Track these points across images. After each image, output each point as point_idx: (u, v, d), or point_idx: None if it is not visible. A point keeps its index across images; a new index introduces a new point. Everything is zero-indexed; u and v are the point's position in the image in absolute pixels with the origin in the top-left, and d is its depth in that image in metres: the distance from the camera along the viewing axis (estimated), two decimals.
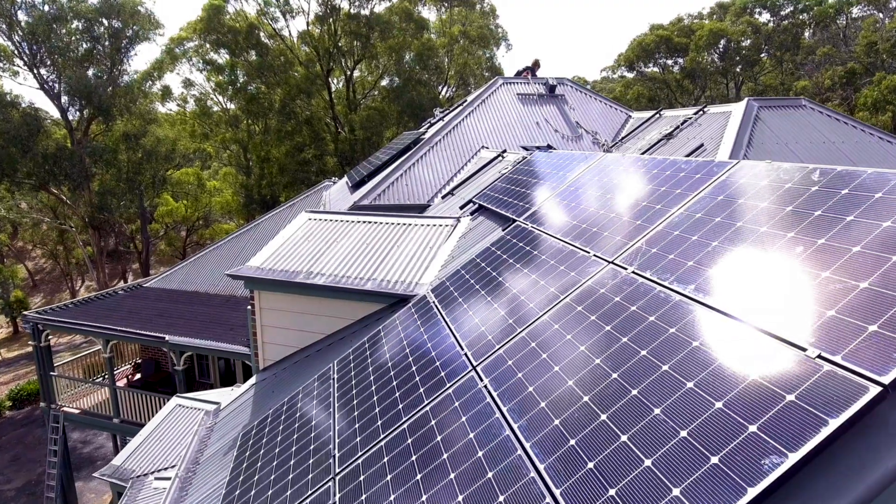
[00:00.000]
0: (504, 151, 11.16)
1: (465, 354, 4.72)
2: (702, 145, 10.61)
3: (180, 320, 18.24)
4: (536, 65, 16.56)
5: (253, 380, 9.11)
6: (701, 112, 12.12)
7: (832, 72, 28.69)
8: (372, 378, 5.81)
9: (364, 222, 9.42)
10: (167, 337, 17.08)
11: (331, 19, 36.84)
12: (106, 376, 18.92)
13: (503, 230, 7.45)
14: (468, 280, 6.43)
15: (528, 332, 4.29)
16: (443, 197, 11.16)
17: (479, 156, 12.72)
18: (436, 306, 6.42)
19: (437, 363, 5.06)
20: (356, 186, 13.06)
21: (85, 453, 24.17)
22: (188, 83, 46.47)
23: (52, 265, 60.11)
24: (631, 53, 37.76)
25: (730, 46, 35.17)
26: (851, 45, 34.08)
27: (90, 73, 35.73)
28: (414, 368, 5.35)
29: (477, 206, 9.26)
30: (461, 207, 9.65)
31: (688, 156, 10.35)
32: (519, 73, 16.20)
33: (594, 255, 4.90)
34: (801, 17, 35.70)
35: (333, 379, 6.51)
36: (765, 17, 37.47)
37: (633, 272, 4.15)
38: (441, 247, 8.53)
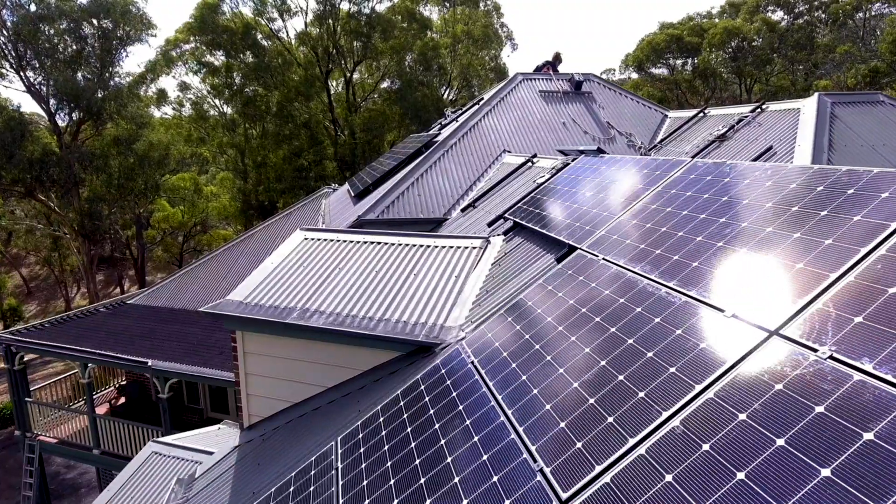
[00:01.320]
0: (534, 156, 9.38)
1: (541, 473, 2.93)
2: (770, 148, 8.85)
3: (166, 342, 16.41)
4: (557, 59, 14.86)
5: (236, 439, 7.30)
6: (758, 110, 10.38)
7: (855, 70, 27.08)
8: (392, 484, 4.01)
9: (371, 243, 7.63)
10: (150, 362, 15.26)
11: (329, 19, 35.11)
12: (86, 402, 17.09)
13: (557, 259, 5.65)
14: (521, 332, 4.66)
15: (649, 447, 2.51)
16: (462, 210, 9.41)
17: (503, 161, 10.95)
18: (476, 370, 4.64)
19: (494, 478, 3.27)
20: (359, 196, 11.31)
21: (68, 479, 22.33)
22: (184, 86, 44.70)
23: (48, 272, 58.16)
24: (640, 53, 36.07)
25: (743, 45, 33.51)
26: (870, 44, 32.44)
27: (80, 75, 33.90)
28: (456, 479, 3.57)
29: (511, 223, 7.48)
30: (489, 224, 7.87)
31: (755, 160, 8.58)
32: (539, 69, 14.49)
33: (734, 316, 3.11)
34: (816, 14, 34.10)
35: (337, 470, 4.71)
36: (777, 15, 35.89)
37: (834, 357, 2.38)
38: (469, 276, 6.75)
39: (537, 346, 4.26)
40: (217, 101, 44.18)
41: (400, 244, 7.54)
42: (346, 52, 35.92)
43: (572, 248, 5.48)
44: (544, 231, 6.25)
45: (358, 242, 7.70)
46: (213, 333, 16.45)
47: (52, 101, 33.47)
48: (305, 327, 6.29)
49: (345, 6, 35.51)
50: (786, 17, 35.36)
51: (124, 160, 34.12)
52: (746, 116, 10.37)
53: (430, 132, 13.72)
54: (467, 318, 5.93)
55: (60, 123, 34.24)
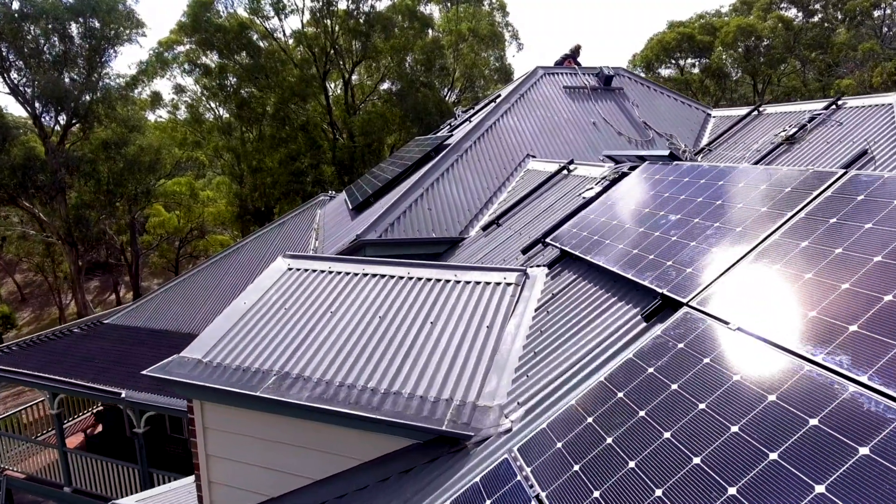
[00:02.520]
0: (570, 162, 7.60)
1: None
2: (865, 152, 7.06)
3: (141, 369, 14.55)
4: (577, 51, 13.12)
5: None
6: (833, 106, 8.62)
7: (881, 68, 25.38)
8: None
9: (373, 276, 5.84)
10: (124, 394, 13.45)
11: (327, 20, 33.29)
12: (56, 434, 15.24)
13: (644, 316, 3.85)
14: (617, 454, 2.87)
15: None
16: (483, 228, 7.62)
17: (527, 168, 9.17)
18: None
19: None
20: (358, 210, 9.52)
21: None
22: (179, 89, 42.86)
23: (42, 278, 56.28)
24: (649, 52, 34.30)
25: (758, 44, 31.78)
26: (890, 42, 30.71)
27: (66, 76, 32.06)
28: None
29: (555, 251, 5.67)
30: (524, 251, 6.06)
31: (847, 166, 6.79)
32: (560, 63, 12.75)
33: None
34: (831, 11, 32.40)
35: None
36: (791, 12, 34.16)
37: None
38: (506, 325, 4.96)
39: (658, 493, 2.47)
40: (213, 104, 42.38)
41: (410, 277, 5.74)
42: (344, 52, 34.09)
43: (670, 302, 3.67)
44: (613, 269, 4.45)
45: (356, 275, 5.90)
46: None
47: (37, 104, 31.61)
48: (284, 403, 4.51)
49: (342, 4, 33.73)
50: (799, 14, 33.67)
51: (114, 165, 32.24)
52: (820, 114, 8.60)
53: (439, 134, 11.92)
54: (511, 394, 4.14)
55: (46, 127, 32.35)
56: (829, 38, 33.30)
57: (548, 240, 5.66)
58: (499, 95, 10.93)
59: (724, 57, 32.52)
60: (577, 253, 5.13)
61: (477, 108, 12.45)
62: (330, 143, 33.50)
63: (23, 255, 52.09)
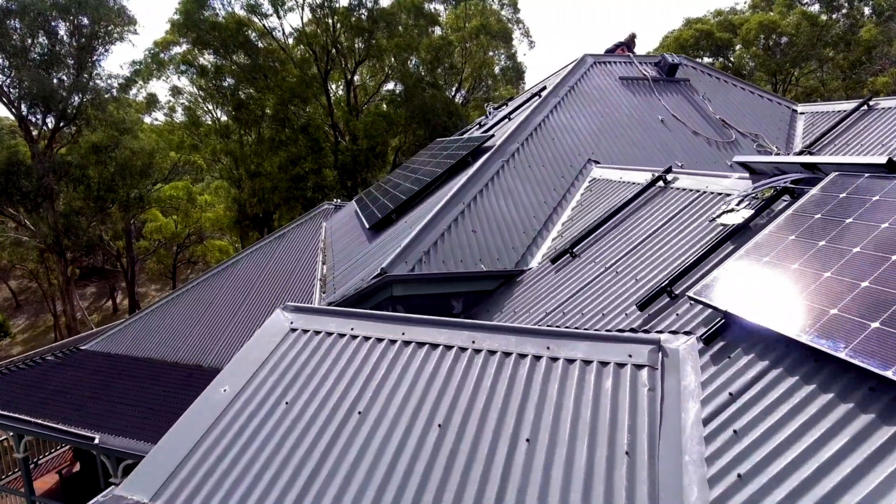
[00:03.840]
0: (668, 171, 5.55)
1: None
2: None
3: (122, 405, 12.48)
4: (633, 40, 11.13)
5: None
6: None
7: None
8: None
9: (419, 345, 3.76)
10: (98, 438, 11.35)
11: (328, 18, 31.21)
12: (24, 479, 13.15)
13: None
14: None
15: None
16: (553, 261, 5.56)
17: (592, 176, 7.12)
18: None
19: None
20: (377, 229, 7.51)
21: None
22: (176, 91, 40.72)
23: (37, 285, 54.09)
24: (665, 51, 32.24)
25: (780, 41, 29.83)
26: None
27: (59, 76, 29.92)
28: None
29: (708, 312, 3.58)
30: (642, 306, 3.98)
31: None
32: (611, 51, 10.73)
33: None
34: (858, 6, 30.45)
35: None
36: (814, 8, 32.18)
37: None
38: (655, 450, 2.88)
39: None
40: (210, 106, 40.26)
41: (478, 350, 3.67)
42: (346, 51, 31.99)
43: None
44: (853, 361, 2.38)
45: (392, 343, 3.82)
46: (180, 394, 12.52)
47: (22, 106, 29.46)
48: None
49: (344, 0, 31.63)
50: (822, 9, 31.68)
51: (104, 169, 30.08)
52: None
53: (470, 135, 9.85)
54: None
55: (33, 130, 30.20)
56: (854, 34, 31.32)
57: (693, 294, 3.59)
58: (543, 88, 8.86)
59: (746, 55, 30.53)
60: (758, 323, 3.05)
61: (514, 103, 10.38)
62: (332, 145, 31.38)
63: (16, 261, 49.91)
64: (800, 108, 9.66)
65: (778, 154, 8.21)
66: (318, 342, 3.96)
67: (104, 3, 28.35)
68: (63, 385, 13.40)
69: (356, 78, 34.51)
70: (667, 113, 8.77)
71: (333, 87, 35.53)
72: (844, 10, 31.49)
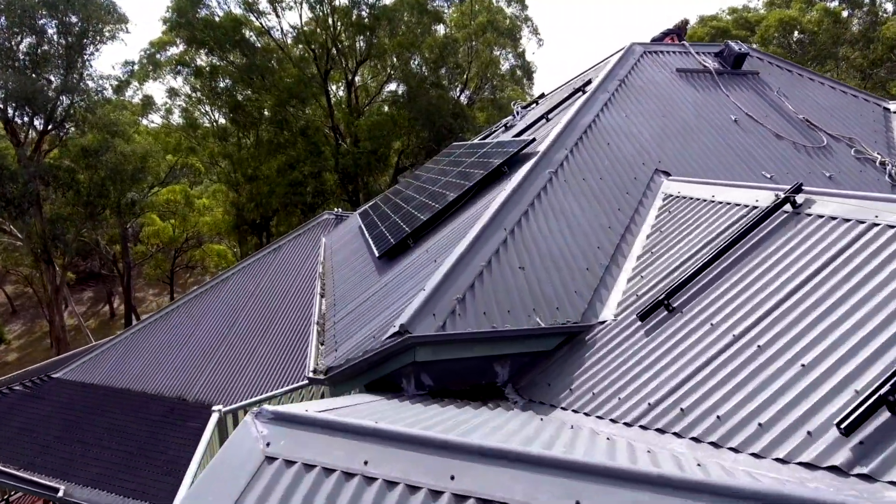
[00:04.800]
0: (797, 189, 3.91)
1: None
2: None
3: (95, 447, 10.86)
4: (685, 27, 9.50)
5: None
6: None
7: None
8: None
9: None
10: (62, 490, 9.73)
11: (329, 18, 29.57)
12: None
13: None
14: None
15: None
16: (642, 317, 3.87)
17: (665, 191, 5.47)
18: None
19: None
20: (389, 256, 5.89)
21: None
22: (173, 92, 39.09)
23: (32, 290, 52.50)
24: None
25: (802, 39, 28.25)
26: None
27: (47, 76, 28.27)
28: None
29: None
30: (848, 429, 2.27)
31: None
32: (659, 40, 9.11)
33: None
34: (882, 2, 28.88)
35: None
36: (832, 4, 30.58)
37: None
38: None
39: None
40: (208, 108, 38.64)
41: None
42: (347, 50, 30.33)
43: None
44: None
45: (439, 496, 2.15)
46: (161, 433, 10.87)
47: (8, 108, 27.77)
48: None
49: (344, 0, 29.93)
50: (841, 5, 30.06)
51: (94, 174, 28.40)
52: None
53: (497, 138, 8.20)
54: None
55: (20, 133, 28.53)
56: (875, 31, 29.70)
57: None
58: (588, 82, 7.21)
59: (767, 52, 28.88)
60: None
61: (547, 101, 8.70)
62: (332, 148, 29.71)
63: (10, 266, 48.31)
64: (892, 105, 8.03)
65: (884, 162, 6.60)
66: (310, 489, 2.31)
67: (93, 1, 26.68)
68: (29, 421, 11.75)
69: (357, 78, 32.88)
70: (739, 112, 7.15)
71: (334, 87, 33.92)
72: (866, 7, 29.88)
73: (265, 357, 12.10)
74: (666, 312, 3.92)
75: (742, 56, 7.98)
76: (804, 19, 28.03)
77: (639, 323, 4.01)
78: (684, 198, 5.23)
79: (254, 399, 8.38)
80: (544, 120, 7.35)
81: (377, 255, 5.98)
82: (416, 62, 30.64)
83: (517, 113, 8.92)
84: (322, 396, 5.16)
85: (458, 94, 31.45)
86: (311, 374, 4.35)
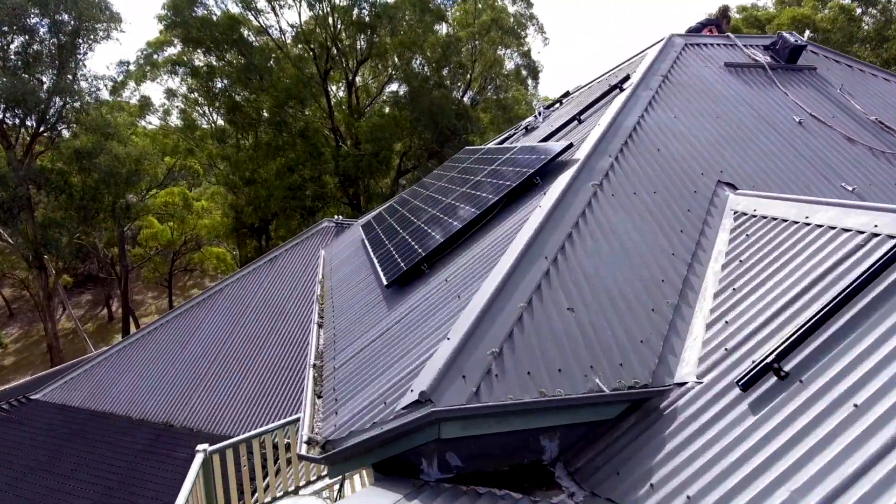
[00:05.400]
0: None
1: None
2: None
3: (72, 481, 9.83)
4: (725, 14, 8.49)
5: None
6: None
7: None
8: None
9: None
10: None
11: (329, 18, 28.54)
12: None
13: None
14: None
15: None
16: (744, 386, 2.90)
17: (734, 208, 4.46)
18: None
19: None
20: (400, 285, 4.92)
21: None
22: (171, 93, 38.08)
23: (29, 294, 51.49)
24: None
25: (814, 38, 27.26)
26: None
27: (38, 76, 27.25)
28: None
29: None
30: None
31: None
32: (697, 31, 8.08)
33: None
34: None
35: None
36: (844, 2, 29.60)
37: None
38: None
39: None
40: (205, 108, 37.63)
41: None
42: (347, 49, 29.30)
43: None
44: None
45: None
46: (144, 465, 9.84)
47: None
48: None
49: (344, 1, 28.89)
50: (853, 2, 29.10)
51: (87, 177, 27.34)
52: None
53: (517, 142, 7.22)
54: None
55: (10, 135, 27.48)
56: (888, 30, 28.74)
57: None
58: (626, 78, 6.20)
59: None
60: None
61: (574, 100, 7.65)
62: (332, 150, 28.67)
63: (7, 269, 47.37)
64: None
65: None
66: None
67: None
68: (3, 450, 10.73)
69: (357, 79, 31.86)
70: (802, 112, 6.15)
71: (333, 88, 32.91)
72: (880, 5, 28.90)
73: (259, 378, 11.10)
74: (776, 380, 2.90)
75: (798, 49, 6.98)
76: (817, 17, 27.05)
77: (738, 392, 3.00)
78: (763, 218, 4.21)
79: (242, 437, 7.36)
80: (576, 122, 6.33)
81: (385, 282, 4.96)
82: (418, 62, 29.62)
83: (539, 113, 7.90)
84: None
85: (461, 94, 30.42)
86: (304, 450, 3.34)
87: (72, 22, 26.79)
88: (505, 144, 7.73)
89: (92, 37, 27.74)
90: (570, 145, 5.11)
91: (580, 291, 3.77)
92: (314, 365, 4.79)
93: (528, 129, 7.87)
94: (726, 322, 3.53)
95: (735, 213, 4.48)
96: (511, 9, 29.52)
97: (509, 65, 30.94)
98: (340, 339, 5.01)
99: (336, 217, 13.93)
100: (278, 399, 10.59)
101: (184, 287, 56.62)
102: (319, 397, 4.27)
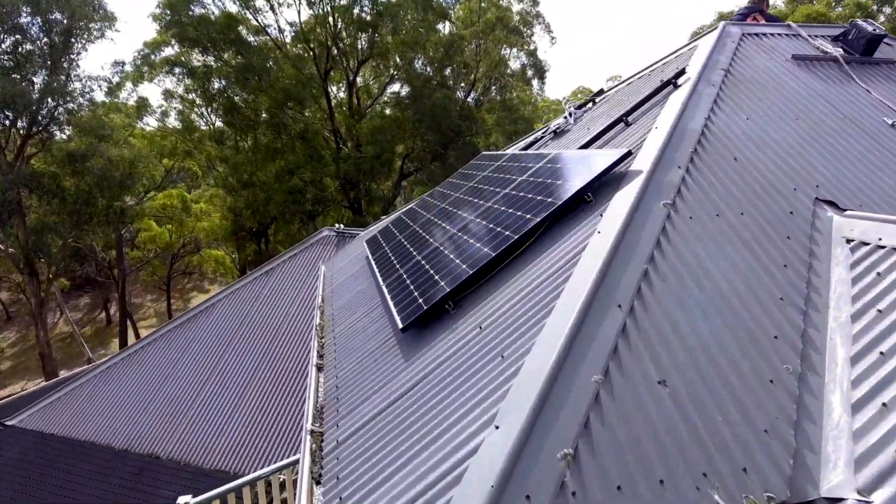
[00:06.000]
0: None
1: None
2: None
3: None
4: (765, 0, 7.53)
5: None
6: None
7: None
8: None
9: None
10: None
11: (330, 17, 27.54)
12: None
13: None
14: None
15: None
16: None
17: (850, 235, 3.50)
18: None
19: None
20: (418, 327, 4.01)
21: None
22: (169, 94, 37.10)
23: (25, 297, 50.47)
24: None
25: None
26: None
27: (30, 77, 26.23)
28: None
29: None
30: None
31: None
32: (744, 16, 7.11)
33: None
34: None
35: None
36: None
37: None
38: None
39: None
40: (205, 111, 36.66)
41: None
42: (348, 48, 28.28)
43: None
44: None
45: None
46: (127, 502, 8.82)
47: None
48: None
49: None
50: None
51: (80, 180, 26.31)
52: None
53: (543, 147, 6.20)
54: None
55: (1, 137, 26.44)
56: None
57: None
58: (681, 72, 5.18)
59: None
60: None
61: (613, 99, 6.63)
62: (333, 153, 27.63)
63: (3, 272, 46.42)
64: None
65: None
66: None
67: None
68: None
69: (358, 79, 30.84)
70: (890, 112, 5.16)
71: (334, 89, 31.90)
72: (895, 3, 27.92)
73: (255, 403, 10.09)
74: None
75: (876, 39, 5.98)
76: (832, 15, 26.05)
77: None
78: (893, 250, 3.20)
79: (230, 485, 6.36)
80: (622, 124, 5.31)
81: (400, 324, 3.94)
82: (421, 62, 28.60)
83: (570, 114, 6.89)
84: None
85: (465, 95, 29.39)
86: None
87: (64, 21, 25.80)
88: (531, 150, 6.71)
89: (85, 36, 26.75)
90: (629, 153, 4.09)
91: (671, 355, 2.75)
92: (312, 431, 3.77)
93: (558, 133, 6.85)
94: (884, 405, 2.52)
95: (848, 241, 3.47)
96: (516, 6, 28.51)
97: (515, 64, 29.92)
98: (345, 393, 4.00)
99: (337, 226, 12.90)
100: (276, 426, 9.59)
101: (183, 290, 55.67)
102: (318, 483, 3.26)
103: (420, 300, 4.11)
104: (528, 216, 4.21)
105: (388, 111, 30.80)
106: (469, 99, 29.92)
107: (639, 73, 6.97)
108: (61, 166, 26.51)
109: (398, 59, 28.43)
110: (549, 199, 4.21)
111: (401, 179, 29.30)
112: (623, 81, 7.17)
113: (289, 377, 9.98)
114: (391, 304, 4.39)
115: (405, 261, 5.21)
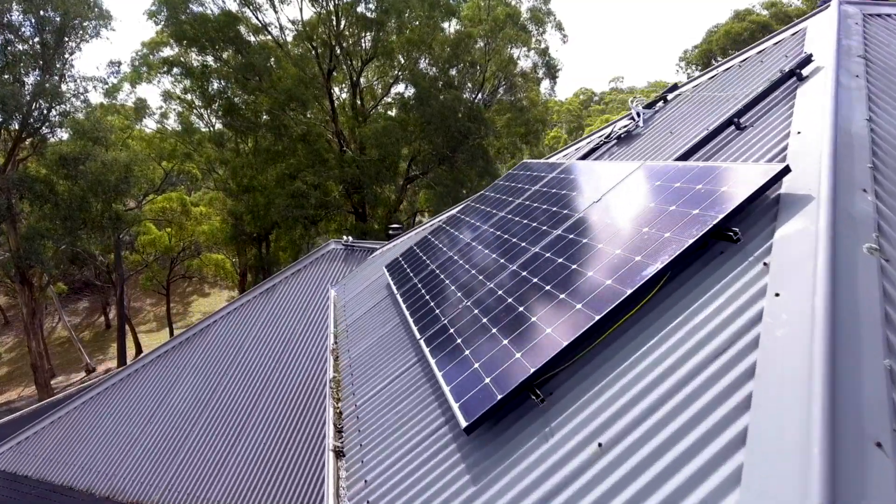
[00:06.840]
0: None
1: None
2: None
3: None
4: None
5: None
6: None
7: None
8: None
9: None
10: None
11: (333, 16, 26.30)
12: None
13: None
14: None
15: None
16: None
17: None
18: None
19: None
20: (492, 418, 2.93)
21: None
22: (168, 95, 35.91)
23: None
24: (713, 45, 27.37)
25: None
26: None
27: (21, 77, 24.99)
28: None
29: None
30: None
31: None
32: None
33: None
34: None
35: None
36: None
37: None
38: None
39: None
40: (204, 112, 35.49)
41: None
42: (351, 48, 27.02)
43: None
44: None
45: None
46: None
47: None
48: None
49: None
50: None
51: (74, 184, 25.06)
52: None
53: (620, 159, 5.05)
54: None
55: None
56: None
57: None
58: (807, 60, 3.98)
59: None
60: None
61: (681, 97, 5.37)
62: (336, 156, 26.37)
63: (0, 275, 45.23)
64: None
65: None
66: None
67: None
68: None
69: (362, 80, 29.60)
70: None
71: (337, 90, 30.69)
72: None
73: (256, 437, 8.83)
74: None
75: None
76: None
77: None
78: None
79: None
80: (733, 127, 4.05)
81: (463, 423, 2.67)
82: (427, 61, 27.36)
83: (638, 114, 5.63)
84: None
85: (473, 95, 28.14)
86: None
87: (57, 19, 24.56)
88: (592, 160, 5.43)
89: (79, 35, 25.50)
90: (786, 169, 2.82)
91: None
92: None
93: (623, 137, 5.60)
94: None
95: None
96: (526, 4, 27.23)
97: (525, 63, 28.64)
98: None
99: (345, 238, 11.62)
100: (281, 464, 8.34)
101: (182, 294, 54.46)
102: None
103: (487, 379, 2.83)
104: (637, 258, 2.94)
105: (392, 112, 29.57)
106: (478, 99, 28.71)
107: (723, 62, 5.70)
108: (54, 170, 25.27)
109: (402, 59, 27.19)
110: (666, 235, 2.94)
111: (406, 183, 28.08)
112: (702, 74, 5.90)
113: (295, 405, 8.73)
114: (441, 380, 3.11)
115: (448, 306, 3.94)
